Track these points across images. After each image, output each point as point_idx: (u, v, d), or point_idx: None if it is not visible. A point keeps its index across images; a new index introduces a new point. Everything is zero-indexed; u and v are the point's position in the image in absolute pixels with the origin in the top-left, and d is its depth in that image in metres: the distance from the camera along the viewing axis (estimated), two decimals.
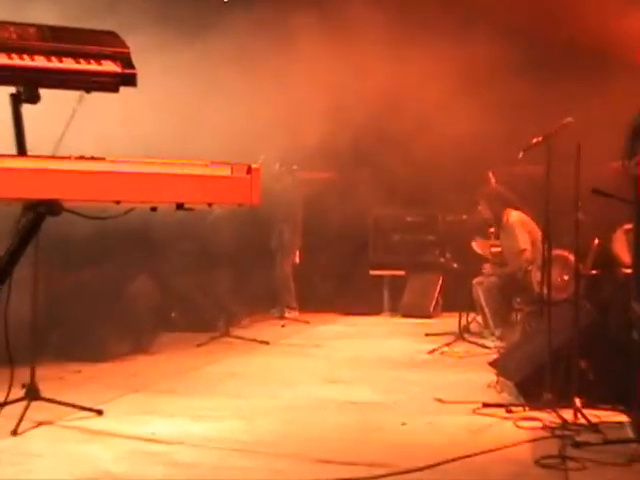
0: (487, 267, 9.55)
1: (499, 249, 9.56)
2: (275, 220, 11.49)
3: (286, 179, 11.30)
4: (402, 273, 12.25)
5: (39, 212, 3.16)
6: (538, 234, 8.53)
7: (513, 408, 6.03)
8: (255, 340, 9.54)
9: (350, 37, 9.06)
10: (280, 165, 11.19)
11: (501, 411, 6.09)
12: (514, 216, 9.19)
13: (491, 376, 7.02)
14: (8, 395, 3.97)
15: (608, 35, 8.41)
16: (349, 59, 9.05)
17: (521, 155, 7.03)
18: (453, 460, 4.93)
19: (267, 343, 9.51)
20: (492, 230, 9.65)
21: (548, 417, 5.73)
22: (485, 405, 6.25)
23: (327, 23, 9.01)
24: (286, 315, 11.42)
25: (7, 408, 4.65)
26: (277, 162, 11.12)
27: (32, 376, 5.86)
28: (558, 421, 5.64)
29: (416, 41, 9.26)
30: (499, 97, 9.36)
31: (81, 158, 3.13)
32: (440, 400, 6.60)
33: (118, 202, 3.19)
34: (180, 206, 3.27)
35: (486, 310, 9.38)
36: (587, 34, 8.52)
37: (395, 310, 12.21)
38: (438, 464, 4.84)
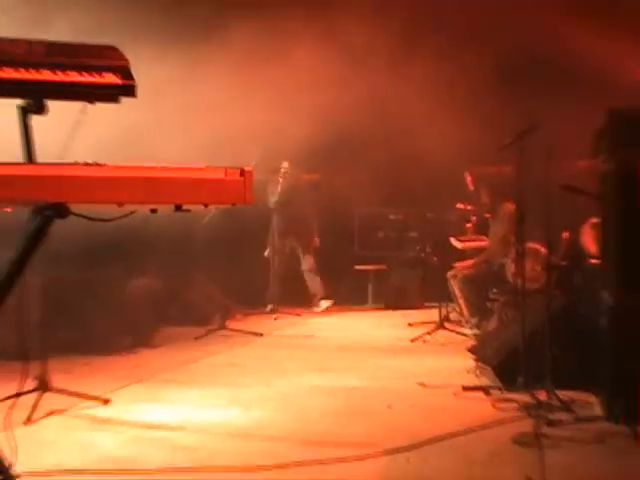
0: (466, 263, 9.57)
1: (474, 244, 9.60)
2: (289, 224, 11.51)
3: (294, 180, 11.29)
4: (385, 267, 12.27)
5: (47, 215, 3.18)
6: None
7: (491, 391, 6.08)
8: (250, 332, 9.56)
9: (338, 50, 9.02)
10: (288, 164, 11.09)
11: (480, 394, 6.14)
12: (509, 207, 9.08)
13: (470, 362, 7.06)
14: (22, 387, 3.99)
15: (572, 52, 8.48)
16: (336, 68, 9.03)
17: (496, 154, 7.05)
18: (436, 440, 4.97)
19: (261, 335, 9.51)
20: (469, 225, 9.68)
21: (523, 398, 5.77)
22: (465, 388, 6.30)
23: (314, 33, 8.96)
24: (321, 305, 11.69)
25: (21, 399, 4.67)
26: (285, 161, 11.05)
27: (43, 369, 5.88)
28: (533, 402, 5.68)
29: (401, 52, 9.29)
30: (474, 105, 9.40)
31: (86, 165, 3.15)
32: (423, 384, 6.64)
33: (121, 205, 3.21)
34: (178, 207, 3.29)
35: (460, 301, 9.40)
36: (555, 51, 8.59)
37: (379, 302, 12.22)
38: (422, 444, 4.88)
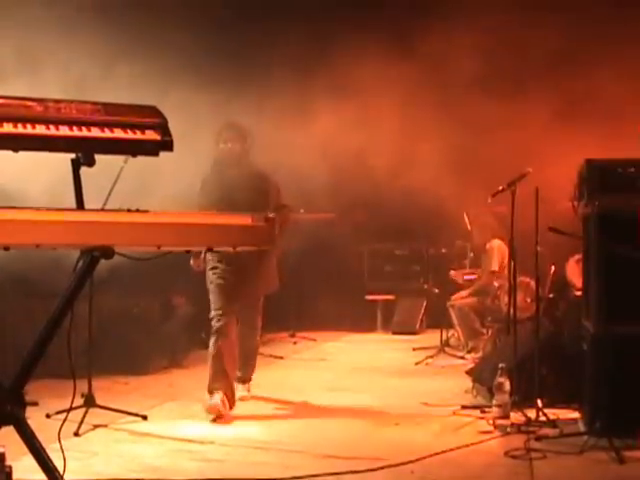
0: (460, 293, 9.56)
1: (471, 277, 9.61)
2: None
3: None
4: (392, 297, 12.26)
5: (94, 256, 3.22)
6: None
7: (486, 409, 6.06)
8: (271, 355, 9.55)
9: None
10: None
11: (476, 412, 6.13)
12: (495, 243, 9.14)
13: (468, 383, 7.05)
14: (72, 403, 4.06)
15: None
16: (347, 115, 8.97)
17: (490, 200, 7.08)
18: (437, 454, 4.99)
19: (281, 358, 9.50)
20: (466, 261, 9.68)
21: (515, 416, 5.76)
22: (463, 407, 6.30)
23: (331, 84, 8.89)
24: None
25: (70, 413, 4.72)
26: None
27: (89, 387, 5.94)
28: (523, 419, 5.69)
29: (408, 101, 9.27)
30: (469, 148, 9.39)
31: (129, 211, 3.19)
32: (426, 404, 6.64)
33: (159, 247, 3.25)
34: (210, 249, 3.32)
35: (458, 327, 9.38)
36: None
37: (387, 328, 12.16)
38: (425, 457, 4.89)
